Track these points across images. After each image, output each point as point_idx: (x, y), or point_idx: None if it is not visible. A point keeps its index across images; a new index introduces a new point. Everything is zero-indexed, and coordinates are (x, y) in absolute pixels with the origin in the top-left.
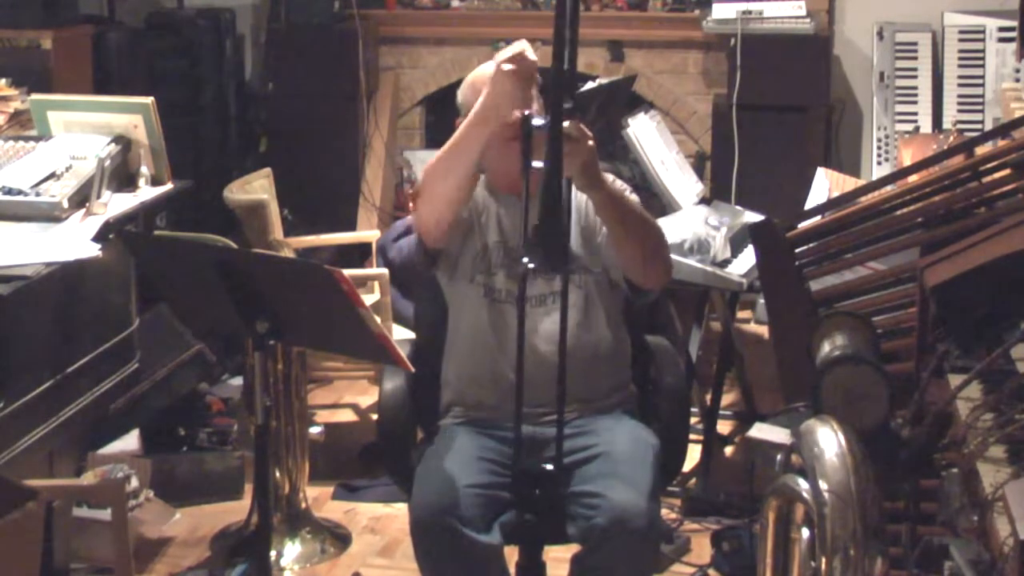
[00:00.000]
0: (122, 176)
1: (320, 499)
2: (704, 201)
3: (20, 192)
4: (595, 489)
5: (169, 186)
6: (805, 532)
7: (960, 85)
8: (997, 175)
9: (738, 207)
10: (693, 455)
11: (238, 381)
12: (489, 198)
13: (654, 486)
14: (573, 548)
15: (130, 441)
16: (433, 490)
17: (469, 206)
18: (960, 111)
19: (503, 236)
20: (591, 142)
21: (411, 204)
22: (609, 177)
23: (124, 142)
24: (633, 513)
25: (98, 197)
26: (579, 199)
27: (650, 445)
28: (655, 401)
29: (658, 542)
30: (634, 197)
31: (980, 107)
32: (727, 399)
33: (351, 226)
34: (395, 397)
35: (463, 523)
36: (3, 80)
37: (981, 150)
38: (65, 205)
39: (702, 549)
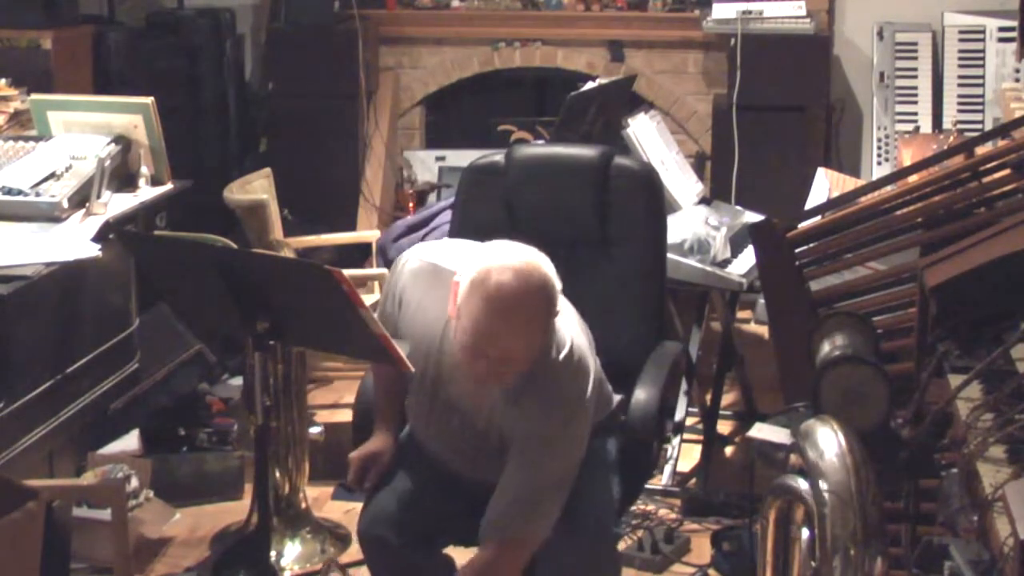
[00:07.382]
0: (122, 176)
1: (320, 499)
2: (704, 201)
3: (20, 192)
4: None
5: (169, 186)
6: (805, 532)
7: (960, 85)
8: (997, 175)
9: (738, 207)
10: (693, 455)
11: (238, 381)
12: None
13: (602, 490)
14: None
15: (130, 441)
16: (379, 503)
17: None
18: (960, 111)
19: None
20: None
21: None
22: None
23: (124, 142)
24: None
25: (98, 197)
26: (486, 410)
27: (604, 452)
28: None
29: (611, 544)
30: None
31: (980, 107)
32: (727, 399)
33: (351, 226)
34: (368, 393)
35: (401, 539)
36: (3, 80)
37: (981, 150)
38: (65, 205)
39: (702, 549)
